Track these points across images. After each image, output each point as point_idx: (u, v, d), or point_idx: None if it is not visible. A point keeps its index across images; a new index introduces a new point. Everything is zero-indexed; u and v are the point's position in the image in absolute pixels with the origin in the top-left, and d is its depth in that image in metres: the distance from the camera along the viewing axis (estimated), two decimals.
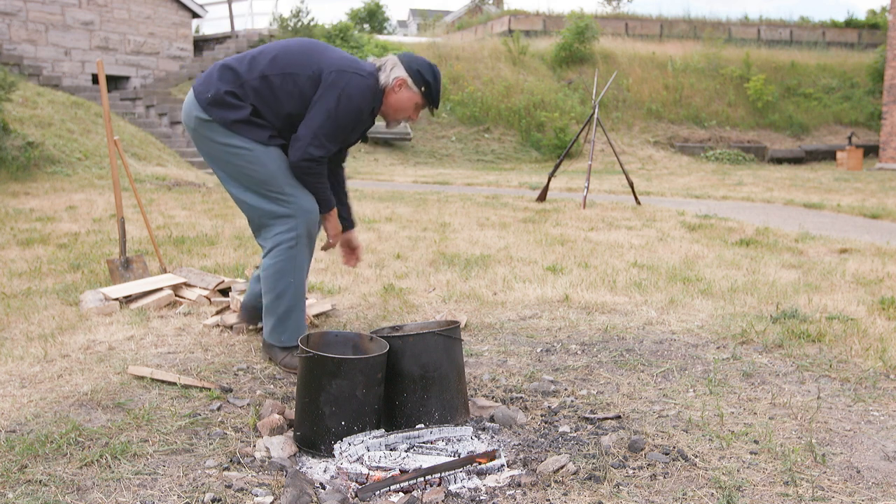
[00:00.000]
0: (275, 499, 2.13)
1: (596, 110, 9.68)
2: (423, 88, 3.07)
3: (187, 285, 4.40)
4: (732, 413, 2.76)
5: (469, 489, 2.21)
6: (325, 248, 3.40)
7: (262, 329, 3.59)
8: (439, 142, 19.92)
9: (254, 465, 2.34)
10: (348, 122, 3.02)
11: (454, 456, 2.32)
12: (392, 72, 3.06)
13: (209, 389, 2.91)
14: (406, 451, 2.36)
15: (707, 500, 2.13)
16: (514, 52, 22.33)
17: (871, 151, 20.12)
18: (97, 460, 2.29)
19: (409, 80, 3.06)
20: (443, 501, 2.14)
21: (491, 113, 20.44)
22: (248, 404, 2.82)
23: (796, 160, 20.23)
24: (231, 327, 3.73)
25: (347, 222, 3.42)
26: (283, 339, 3.20)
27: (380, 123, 16.26)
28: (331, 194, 3.18)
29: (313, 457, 2.45)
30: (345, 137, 3.09)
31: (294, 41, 3.16)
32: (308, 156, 2.97)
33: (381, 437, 2.43)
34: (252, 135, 3.01)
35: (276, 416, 2.63)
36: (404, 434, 2.46)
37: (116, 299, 4.13)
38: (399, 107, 3.11)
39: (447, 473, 2.24)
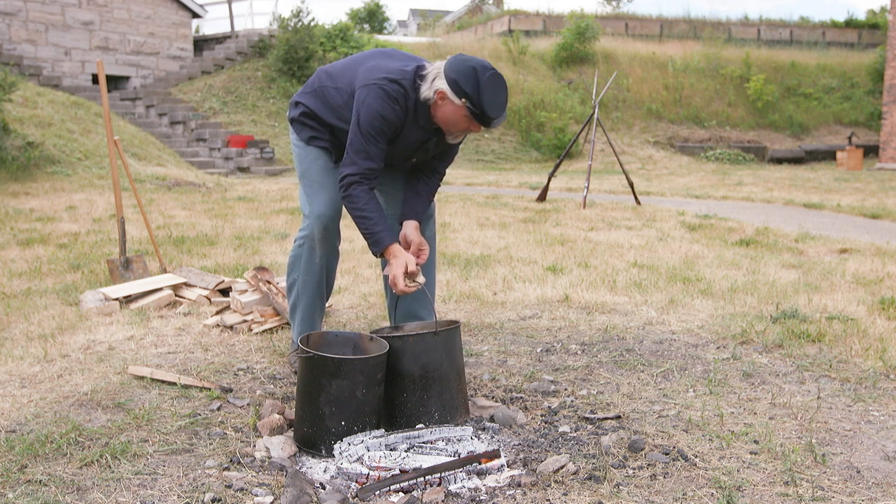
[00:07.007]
0: (275, 499, 2.13)
1: (596, 110, 9.68)
2: (463, 100, 2.67)
3: (187, 285, 4.40)
4: (732, 413, 2.76)
5: (469, 489, 2.21)
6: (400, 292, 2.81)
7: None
8: None
9: (254, 465, 2.34)
10: (372, 131, 2.77)
11: (454, 456, 2.32)
12: (434, 83, 2.74)
13: (209, 389, 2.91)
14: (406, 451, 2.36)
15: (707, 500, 2.13)
16: (514, 52, 22.31)
17: (871, 151, 20.13)
18: (97, 460, 2.29)
19: (449, 92, 2.69)
20: (443, 501, 2.14)
21: None
22: (248, 404, 2.82)
23: (796, 160, 20.23)
24: (231, 327, 3.73)
25: (407, 216, 3.03)
26: (293, 334, 3.26)
27: None
28: (376, 230, 2.79)
29: (313, 457, 2.45)
30: (376, 150, 2.79)
31: (353, 56, 3.08)
32: (341, 180, 2.83)
33: (381, 437, 2.43)
34: (299, 133, 3.11)
35: (276, 416, 2.63)
36: (404, 434, 2.46)
37: (116, 299, 4.13)
38: (448, 120, 2.77)
39: (447, 473, 2.24)
